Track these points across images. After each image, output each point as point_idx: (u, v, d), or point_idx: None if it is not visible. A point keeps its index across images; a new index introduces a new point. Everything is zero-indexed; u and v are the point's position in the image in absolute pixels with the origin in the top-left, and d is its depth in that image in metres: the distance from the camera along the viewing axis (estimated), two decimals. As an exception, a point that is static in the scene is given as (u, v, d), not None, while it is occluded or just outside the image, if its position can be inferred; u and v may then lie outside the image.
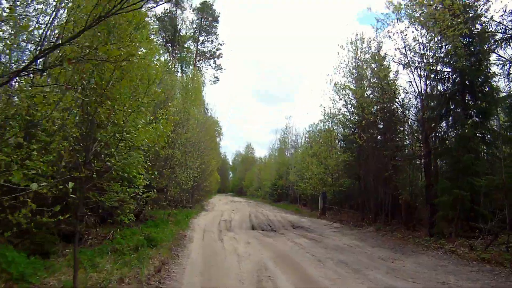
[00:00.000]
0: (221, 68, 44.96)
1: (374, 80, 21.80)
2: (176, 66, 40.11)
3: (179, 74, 36.63)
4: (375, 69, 21.06)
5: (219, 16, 45.11)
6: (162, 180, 14.90)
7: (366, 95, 22.08)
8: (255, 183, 67.63)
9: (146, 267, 7.94)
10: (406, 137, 21.74)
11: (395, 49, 17.89)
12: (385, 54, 20.16)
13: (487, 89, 15.38)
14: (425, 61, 17.68)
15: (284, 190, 45.66)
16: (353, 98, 23.05)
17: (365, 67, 22.68)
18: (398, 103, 21.44)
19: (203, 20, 44.57)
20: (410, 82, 18.32)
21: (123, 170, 10.48)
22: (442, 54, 17.00)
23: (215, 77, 44.69)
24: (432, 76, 17.38)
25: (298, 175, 35.89)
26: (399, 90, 20.17)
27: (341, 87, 22.78)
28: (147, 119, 10.03)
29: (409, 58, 18.32)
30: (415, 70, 18.36)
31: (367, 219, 20.56)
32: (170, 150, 14.73)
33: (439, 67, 17.36)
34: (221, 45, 44.94)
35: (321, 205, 26.38)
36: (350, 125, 24.73)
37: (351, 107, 23.64)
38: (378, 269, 9.22)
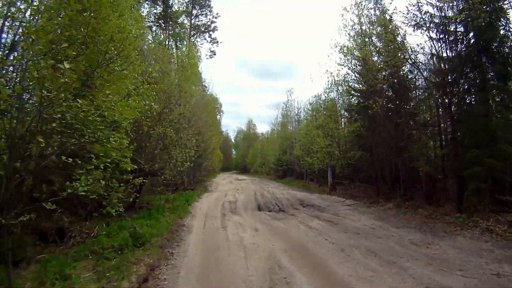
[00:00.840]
0: (217, 42, 42.78)
1: (380, 45, 20.12)
2: (170, 42, 38.13)
3: (174, 50, 34.75)
4: (382, 32, 19.40)
5: (212, -12, 42.62)
6: (155, 163, 13.30)
7: (372, 61, 20.38)
8: (258, 159, 66.32)
9: (128, 277, 6.28)
10: (421, 103, 20.06)
11: (407, 7, 16.23)
12: (391, 14, 18.50)
13: (506, 50, 13.79)
14: (436, 20, 16.24)
15: (289, 166, 44.11)
16: (359, 64, 21.34)
17: (369, 31, 20.93)
18: (410, 66, 19.86)
19: (196, -8, 42.17)
20: (421, 44, 16.97)
21: (103, 152, 8.93)
22: (455, 13, 15.38)
23: (211, 51, 42.56)
24: (446, 37, 15.96)
25: (303, 149, 34.25)
26: (409, 52, 18.68)
27: (348, 50, 20.75)
28: (125, 90, 8.39)
29: (420, 18, 16.96)
30: (427, 31, 16.98)
31: (382, 194, 18.97)
32: (161, 128, 13.04)
33: (452, 28, 15.89)
34: (215, 18, 42.64)
35: (330, 180, 24.77)
36: (357, 93, 23.07)
37: (357, 74, 21.95)
38: (416, 259, 7.62)
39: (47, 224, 8.43)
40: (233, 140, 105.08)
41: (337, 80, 25.12)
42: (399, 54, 19.01)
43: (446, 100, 18.62)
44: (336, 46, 21.64)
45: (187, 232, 10.87)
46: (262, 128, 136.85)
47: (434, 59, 17.95)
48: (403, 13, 16.94)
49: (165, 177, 13.42)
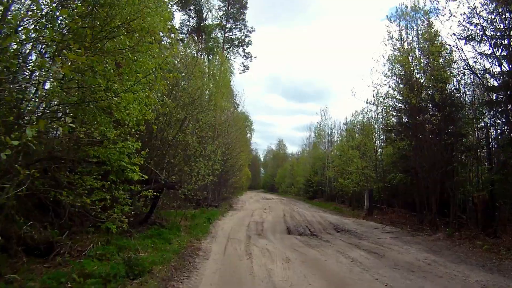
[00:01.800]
0: (251, 57, 41.62)
1: (424, 61, 18.45)
2: (202, 56, 37.30)
3: (206, 64, 33.84)
4: (427, 46, 17.95)
5: (247, 2, 41.77)
6: (173, 174, 11.78)
7: (416, 77, 18.64)
8: (287, 179, 64.56)
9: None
10: (469, 123, 17.97)
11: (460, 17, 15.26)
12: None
13: None
14: (488, 33, 15.05)
15: (320, 187, 41.91)
16: (400, 81, 19.64)
17: (413, 44, 19.35)
18: (457, 83, 17.97)
19: (230, 7, 41.31)
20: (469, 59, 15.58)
21: (106, 157, 7.44)
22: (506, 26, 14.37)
23: (244, 66, 41.39)
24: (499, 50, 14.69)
25: (337, 170, 32.13)
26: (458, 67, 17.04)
27: (396, 59, 19.01)
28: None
29: (471, 30, 15.45)
30: (478, 44, 15.48)
31: (427, 221, 16.73)
32: (181, 135, 11.49)
33: (505, 41, 14.56)
34: (250, 32, 41.64)
35: (367, 204, 22.59)
36: (399, 113, 21.21)
37: (398, 92, 20.14)
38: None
39: (37, 235, 6.95)
40: (262, 159, 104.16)
41: (376, 99, 23.45)
42: (447, 70, 17.37)
43: (499, 120, 16.72)
44: (383, 56, 20.19)
45: (203, 259, 8.92)
46: (292, 149, 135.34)
47: (487, 75, 16.16)
48: (458, 23, 15.58)
49: (184, 191, 11.78)
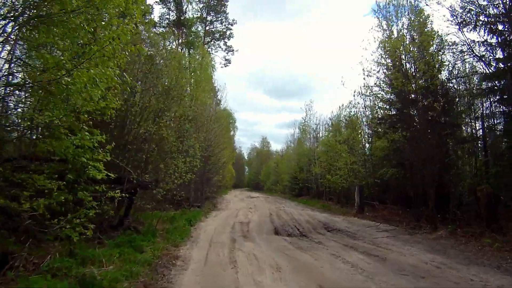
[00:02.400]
0: (232, 50, 40.26)
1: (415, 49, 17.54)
2: (183, 50, 35.73)
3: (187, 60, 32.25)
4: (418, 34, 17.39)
5: (228, -6, 40.24)
6: (147, 172, 10.46)
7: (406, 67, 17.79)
8: (272, 177, 63.64)
9: None
10: (464, 113, 17.23)
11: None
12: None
13: None
14: (483, 19, 14.75)
15: (307, 184, 40.85)
16: (390, 73, 18.77)
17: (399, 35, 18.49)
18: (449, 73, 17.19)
19: (210, -1, 39.84)
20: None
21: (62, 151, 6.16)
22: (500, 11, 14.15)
23: (226, 60, 39.99)
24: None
25: (324, 166, 31.12)
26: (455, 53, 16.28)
27: (390, 43, 18.05)
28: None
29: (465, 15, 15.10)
30: (473, 30, 15.05)
31: (424, 218, 15.77)
32: (154, 127, 10.16)
33: (500, 27, 14.36)
34: (231, 24, 40.16)
35: (358, 201, 21.54)
36: (388, 105, 20.35)
37: (387, 84, 19.28)
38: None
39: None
40: (246, 158, 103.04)
41: (365, 90, 22.48)
42: (439, 58, 16.60)
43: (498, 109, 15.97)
44: (374, 40, 19.38)
45: (180, 270, 7.62)
46: (276, 146, 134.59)
47: (481, 63, 15.47)
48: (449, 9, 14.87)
49: (160, 191, 10.44)
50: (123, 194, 9.71)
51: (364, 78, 20.67)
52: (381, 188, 22.63)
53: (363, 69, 19.39)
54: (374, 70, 19.44)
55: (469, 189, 14.94)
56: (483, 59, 15.08)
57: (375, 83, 20.49)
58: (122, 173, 10.15)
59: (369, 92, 22.45)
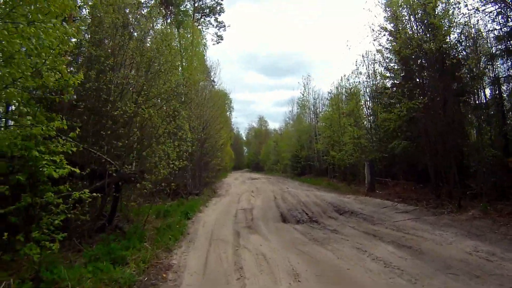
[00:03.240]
0: (224, 26, 37.91)
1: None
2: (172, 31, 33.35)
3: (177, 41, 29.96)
4: None
5: (216, -35, 37.65)
6: (128, 162, 8.75)
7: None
8: (272, 156, 62.30)
9: None
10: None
11: None
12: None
13: None
14: None
15: (309, 162, 39.27)
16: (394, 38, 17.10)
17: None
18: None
19: (199, -28, 37.32)
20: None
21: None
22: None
23: (217, 36, 37.68)
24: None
25: (327, 142, 29.47)
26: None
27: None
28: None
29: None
30: None
31: (445, 194, 14.25)
32: (132, 107, 8.36)
33: None
34: (221, -1, 37.77)
35: (368, 178, 19.91)
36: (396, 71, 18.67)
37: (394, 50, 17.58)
38: None
39: None
40: (244, 138, 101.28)
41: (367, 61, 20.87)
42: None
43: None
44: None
45: (172, 283, 6.03)
46: (274, 125, 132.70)
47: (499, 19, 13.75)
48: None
49: (146, 184, 8.71)
50: (106, 190, 8.19)
51: (374, 40, 18.89)
52: (389, 163, 21.11)
53: (372, 29, 17.62)
54: (380, 33, 17.67)
55: (493, 161, 13.28)
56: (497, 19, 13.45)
57: (377, 50, 18.84)
58: (101, 165, 8.49)
59: (374, 59, 20.89)
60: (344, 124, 23.91)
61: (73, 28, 5.15)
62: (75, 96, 8.40)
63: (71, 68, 9.50)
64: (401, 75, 18.67)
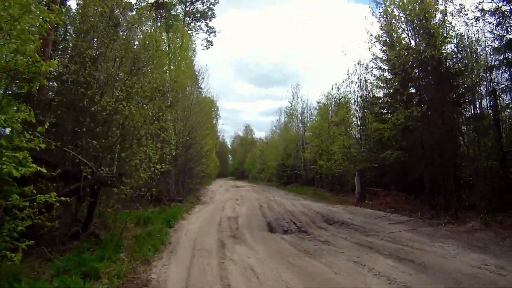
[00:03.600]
0: (214, 32, 37.13)
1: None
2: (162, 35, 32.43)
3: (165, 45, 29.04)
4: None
5: (210, -28, 37.05)
6: (104, 164, 7.93)
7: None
8: (257, 165, 61.42)
9: None
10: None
11: None
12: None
13: None
14: None
15: (296, 171, 38.59)
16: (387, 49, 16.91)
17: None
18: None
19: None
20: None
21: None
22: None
23: (207, 41, 36.92)
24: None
25: (315, 151, 28.90)
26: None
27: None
28: None
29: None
30: None
31: (441, 206, 13.75)
32: (112, 101, 7.55)
33: None
34: (213, 4, 37.04)
35: (358, 188, 19.37)
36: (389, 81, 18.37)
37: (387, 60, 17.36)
38: None
39: None
40: (229, 146, 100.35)
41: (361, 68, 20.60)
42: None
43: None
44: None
45: None
46: (260, 134, 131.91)
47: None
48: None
49: (126, 188, 7.88)
50: (81, 193, 7.43)
51: (369, 48, 18.49)
52: (379, 173, 20.65)
53: (369, 35, 17.22)
54: (375, 42, 17.36)
55: (489, 173, 12.85)
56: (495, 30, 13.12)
57: (373, 58, 18.54)
58: (77, 166, 7.70)
59: (367, 68, 20.61)
60: (334, 133, 23.38)
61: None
62: (51, 93, 7.68)
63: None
64: (394, 84, 18.36)
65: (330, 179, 27.45)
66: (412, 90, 15.77)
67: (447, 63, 15.10)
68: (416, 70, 15.67)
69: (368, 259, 7.66)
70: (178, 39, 25.65)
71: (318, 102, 32.68)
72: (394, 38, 16.23)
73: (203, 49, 37.62)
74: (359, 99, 23.52)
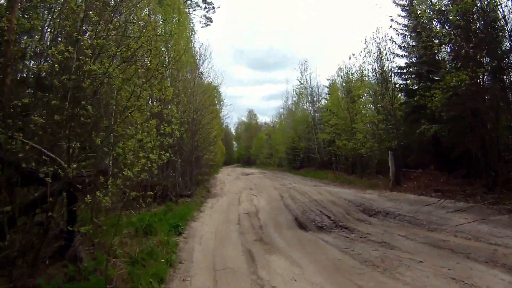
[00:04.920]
0: (213, 7, 34.18)
1: None
2: (157, 17, 29.61)
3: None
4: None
5: None
6: (84, 158, 5.35)
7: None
8: (265, 149, 58.94)
9: None
10: None
11: None
12: None
13: None
14: None
15: (310, 154, 35.89)
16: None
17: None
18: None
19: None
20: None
21: None
22: None
23: (206, 18, 33.89)
24: None
25: (331, 131, 26.10)
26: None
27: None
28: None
29: None
30: None
31: (501, 187, 11.31)
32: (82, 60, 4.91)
33: None
34: (211, -24, 33.99)
35: (393, 170, 16.71)
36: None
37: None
38: None
39: None
40: (233, 133, 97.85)
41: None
42: None
43: None
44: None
45: None
46: (264, 119, 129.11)
47: None
48: None
49: (108, 193, 5.24)
50: (49, 202, 5.07)
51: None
52: (412, 152, 18.12)
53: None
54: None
55: None
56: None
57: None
58: (41, 164, 5.21)
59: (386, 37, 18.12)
60: (359, 108, 20.70)
61: None
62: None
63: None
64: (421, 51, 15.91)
65: (350, 161, 24.92)
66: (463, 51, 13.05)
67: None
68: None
69: (465, 271, 5.33)
70: (174, 20, 23.05)
71: (328, 80, 30.21)
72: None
73: (202, 27, 34.53)
74: (378, 70, 20.77)
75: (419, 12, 14.94)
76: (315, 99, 37.44)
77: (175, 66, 16.35)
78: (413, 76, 18.72)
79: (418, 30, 15.98)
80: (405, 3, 18.71)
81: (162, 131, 5.50)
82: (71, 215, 6.13)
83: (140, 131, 5.02)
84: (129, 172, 4.57)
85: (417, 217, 9.96)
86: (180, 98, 16.08)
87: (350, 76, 24.10)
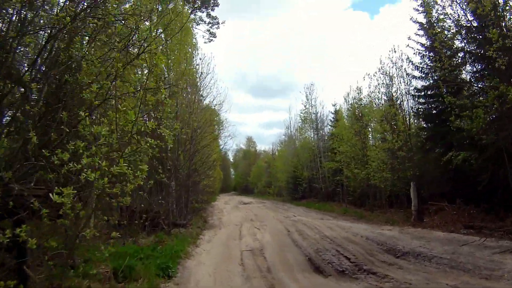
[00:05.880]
0: (218, 23, 32.86)
1: None
2: (158, 31, 28.28)
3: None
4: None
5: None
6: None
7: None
8: (263, 178, 57.01)
9: None
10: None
11: None
12: None
13: None
14: None
15: (314, 184, 33.91)
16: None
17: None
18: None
19: (192, -34, 32.71)
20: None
21: None
22: None
23: (210, 33, 32.60)
24: None
25: (340, 159, 24.21)
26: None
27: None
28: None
29: None
30: None
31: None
32: None
33: None
34: (216, -9, 32.95)
35: (415, 203, 14.93)
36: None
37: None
38: None
39: None
40: (231, 160, 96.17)
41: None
42: None
43: None
44: None
45: None
46: (263, 147, 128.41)
47: None
48: None
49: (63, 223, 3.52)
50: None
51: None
52: (434, 182, 16.33)
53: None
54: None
55: None
56: None
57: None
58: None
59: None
60: (373, 135, 19.08)
61: None
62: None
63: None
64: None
65: (359, 192, 23.10)
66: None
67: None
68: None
69: None
70: (177, 35, 21.75)
71: (333, 105, 28.88)
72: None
73: (205, 42, 33.27)
74: (394, 93, 19.20)
75: (438, 30, 13.79)
76: (319, 126, 35.97)
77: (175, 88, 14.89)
78: (432, 99, 17.22)
79: (436, 48, 14.55)
80: (424, 20, 17.46)
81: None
82: (19, 252, 4.34)
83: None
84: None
85: (458, 259, 8.32)
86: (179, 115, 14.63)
87: (362, 100, 22.61)
